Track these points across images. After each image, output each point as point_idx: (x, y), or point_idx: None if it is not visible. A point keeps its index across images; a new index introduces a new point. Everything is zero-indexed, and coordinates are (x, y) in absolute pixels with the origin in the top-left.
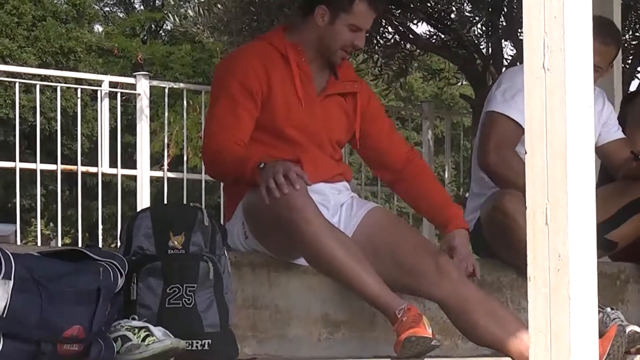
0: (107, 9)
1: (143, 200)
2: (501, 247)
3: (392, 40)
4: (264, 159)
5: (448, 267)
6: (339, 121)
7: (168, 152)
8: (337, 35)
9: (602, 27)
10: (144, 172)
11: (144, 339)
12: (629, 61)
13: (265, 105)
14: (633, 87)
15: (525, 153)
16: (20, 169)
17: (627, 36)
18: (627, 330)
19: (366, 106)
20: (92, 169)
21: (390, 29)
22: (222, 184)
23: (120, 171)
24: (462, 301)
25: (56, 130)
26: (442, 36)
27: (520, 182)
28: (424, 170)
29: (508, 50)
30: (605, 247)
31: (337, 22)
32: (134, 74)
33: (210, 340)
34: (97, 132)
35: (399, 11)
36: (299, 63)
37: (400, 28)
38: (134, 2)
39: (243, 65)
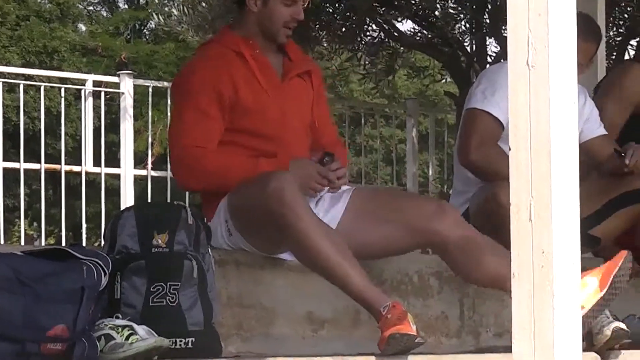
0: (90, 8)
1: (127, 199)
2: (493, 238)
3: (377, 39)
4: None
5: (450, 208)
6: (306, 102)
7: (152, 150)
8: (275, 15)
9: (582, 24)
10: (127, 171)
11: (127, 338)
12: (613, 57)
13: (236, 107)
14: None
15: (510, 149)
16: (4, 169)
17: (611, 33)
18: (612, 326)
19: (319, 85)
20: (76, 168)
21: (374, 27)
22: None
23: (104, 170)
24: (466, 238)
25: (40, 129)
26: (427, 34)
27: (506, 174)
28: (343, 153)
29: (492, 47)
30: (588, 243)
31: (269, 2)
32: (118, 73)
33: (194, 339)
34: (80, 132)
35: (384, 9)
36: (254, 55)
37: (385, 26)
38: (117, 1)
39: (205, 73)
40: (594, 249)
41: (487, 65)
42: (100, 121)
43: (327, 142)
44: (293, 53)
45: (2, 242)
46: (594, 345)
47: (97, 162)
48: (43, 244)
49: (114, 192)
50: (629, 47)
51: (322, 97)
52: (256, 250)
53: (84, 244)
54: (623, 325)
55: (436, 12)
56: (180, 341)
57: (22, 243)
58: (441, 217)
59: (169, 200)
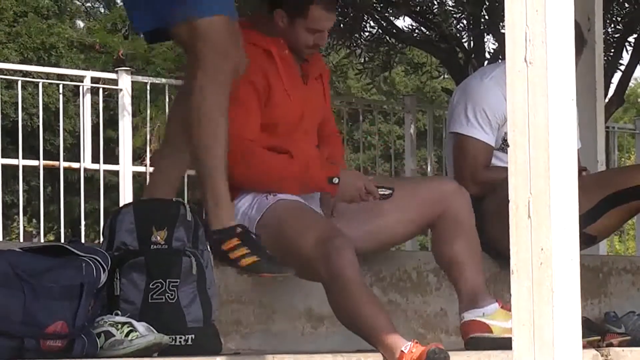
0: (88, 4)
1: (125, 196)
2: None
3: (376, 35)
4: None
5: (466, 191)
6: (320, 105)
7: (150, 147)
8: (298, 38)
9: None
10: (126, 168)
11: (127, 334)
12: (611, 54)
13: (266, 102)
14: (615, 79)
15: (506, 146)
16: (2, 165)
17: (609, 29)
18: None
19: (327, 86)
20: (75, 165)
21: (372, 23)
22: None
23: (103, 167)
24: (465, 219)
25: (38, 126)
26: (425, 30)
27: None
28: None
29: (490, 44)
30: (583, 241)
31: (296, 25)
32: (116, 69)
33: (193, 335)
34: (79, 128)
35: (381, 5)
36: (282, 55)
37: (383, 22)
38: None
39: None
40: (590, 247)
41: (485, 62)
42: (98, 118)
43: (327, 132)
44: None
45: (1, 238)
46: None
47: (95, 159)
48: (42, 240)
49: (112, 188)
50: (627, 44)
51: (328, 93)
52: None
53: (82, 240)
54: None
55: (434, 9)
56: (180, 338)
57: (21, 240)
58: (460, 196)
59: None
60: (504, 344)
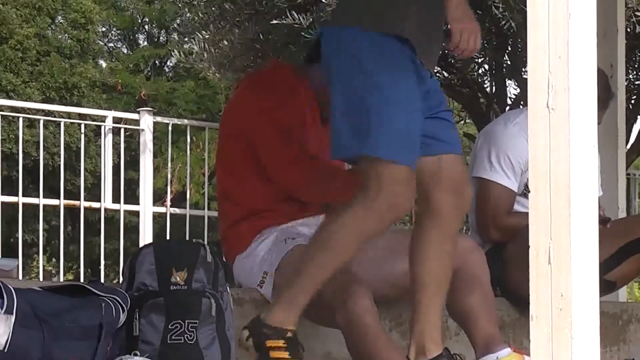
0: (111, 44)
1: (146, 236)
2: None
3: None
4: None
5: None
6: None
7: (171, 188)
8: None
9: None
10: (146, 208)
11: None
12: (633, 101)
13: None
14: (636, 127)
15: (528, 191)
16: (23, 204)
17: (630, 76)
18: None
19: None
20: (95, 205)
21: None
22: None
23: (123, 207)
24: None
25: (59, 165)
26: (446, 74)
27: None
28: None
29: (512, 89)
30: (603, 287)
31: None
32: (138, 109)
33: None
34: (100, 168)
35: None
36: (309, 100)
37: None
38: (138, 38)
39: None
40: (609, 293)
41: (507, 107)
42: (119, 158)
43: None
44: None
45: (21, 277)
46: None
47: (116, 199)
48: (61, 280)
49: (132, 229)
50: None
51: None
52: None
53: (102, 280)
54: None
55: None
56: None
57: (41, 279)
58: (478, 254)
59: (187, 238)
60: None
